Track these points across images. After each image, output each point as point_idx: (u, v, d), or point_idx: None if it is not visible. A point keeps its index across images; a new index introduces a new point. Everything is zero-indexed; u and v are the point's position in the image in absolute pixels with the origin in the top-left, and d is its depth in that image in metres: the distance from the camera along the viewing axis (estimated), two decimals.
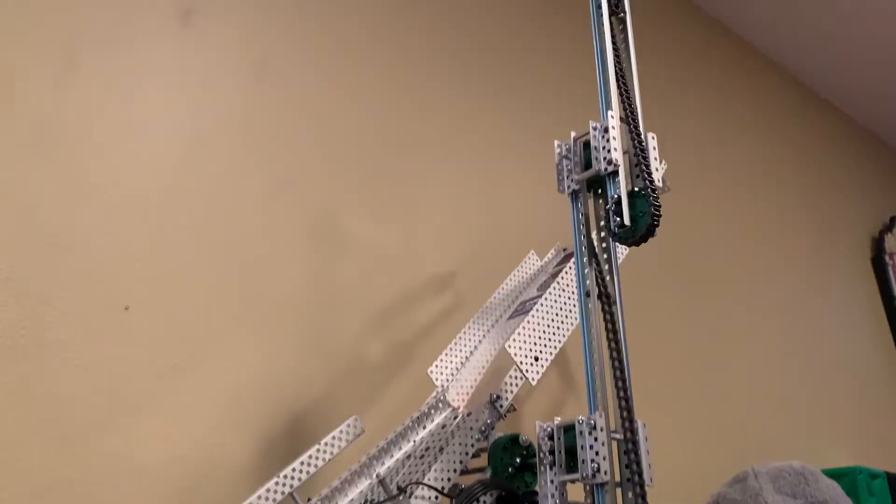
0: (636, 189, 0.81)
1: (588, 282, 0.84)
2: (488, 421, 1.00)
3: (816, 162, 2.71)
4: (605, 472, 0.72)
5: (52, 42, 1.07)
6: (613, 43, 0.89)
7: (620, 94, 0.86)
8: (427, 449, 0.98)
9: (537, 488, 0.79)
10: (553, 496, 0.77)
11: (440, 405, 0.97)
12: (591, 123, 0.84)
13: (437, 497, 0.91)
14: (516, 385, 1.04)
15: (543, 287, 1.11)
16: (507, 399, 1.02)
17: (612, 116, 0.84)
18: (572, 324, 1.00)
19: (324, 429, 0.97)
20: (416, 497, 0.89)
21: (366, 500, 0.89)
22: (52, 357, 0.94)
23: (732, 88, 2.44)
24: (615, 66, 0.87)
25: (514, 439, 0.95)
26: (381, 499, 0.89)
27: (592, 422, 0.74)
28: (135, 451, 0.96)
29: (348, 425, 0.92)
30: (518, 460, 0.94)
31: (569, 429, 0.77)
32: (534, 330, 0.96)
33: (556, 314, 1.00)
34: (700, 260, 1.99)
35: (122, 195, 1.07)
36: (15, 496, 0.87)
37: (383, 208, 1.36)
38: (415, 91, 1.51)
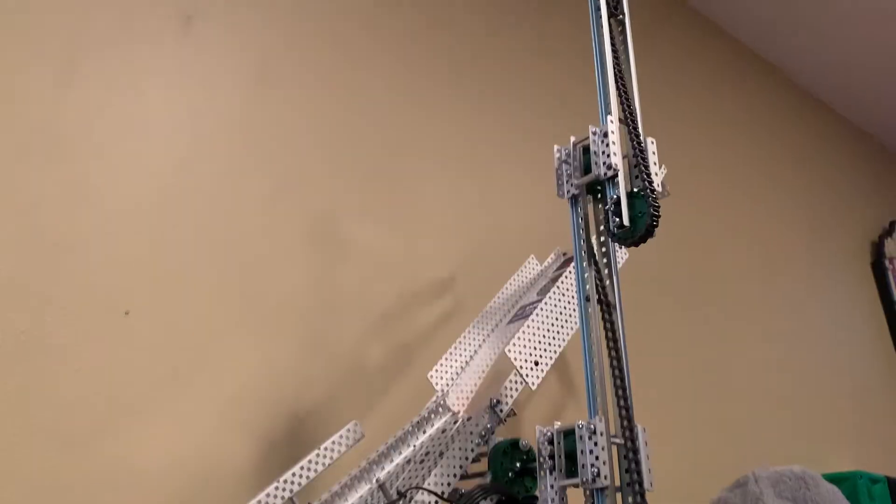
0: (635, 190, 0.81)
1: (588, 286, 0.84)
2: (488, 425, 1.00)
3: (816, 166, 2.71)
4: (605, 477, 0.72)
5: (53, 46, 1.07)
6: (612, 45, 0.89)
7: (619, 96, 0.87)
8: (427, 454, 0.97)
9: (537, 493, 0.79)
10: (553, 501, 0.77)
11: (440, 410, 0.97)
12: (591, 128, 0.85)
13: (437, 502, 0.91)
14: (516, 389, 1.04)
15: (543, 291, 1.11)
16: (507, 403, 1.02)
17: (612, 121, 0.84)
18: (572, 328, 1.00)
19: (324, 433, 0.97)
20: (416, 502, 0.89)
21: None
22: (52, 361, 0.94)
23: (730, 92, 2.44)
24: (614, 68, 0.88)
25: (514, 444, 0.95)
26: None
27: (592, 426, 0.74)
28: (135, 455, 0.96)
29: (348, 430, 0.92)
30: (518, 465, 0.94)
31: (569, 433, 0.77)
32: (534, 334, 0.96)
33: (556, 318, 1.00)
34: (700, 265, 1.99)
35: (122, 199, 1.07)
36: (15, 499, 0.87)
37: (383, 212, 1.36)
38: (415, 95, 1.51)
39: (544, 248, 1.33)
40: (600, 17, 0.91)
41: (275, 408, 1.10)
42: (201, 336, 1.07)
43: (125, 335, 1.01)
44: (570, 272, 1.03)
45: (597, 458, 0.73)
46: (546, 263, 1.31)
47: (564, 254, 1.33)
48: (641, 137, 0.84)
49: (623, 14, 0.93)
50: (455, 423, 0.99)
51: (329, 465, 0.89)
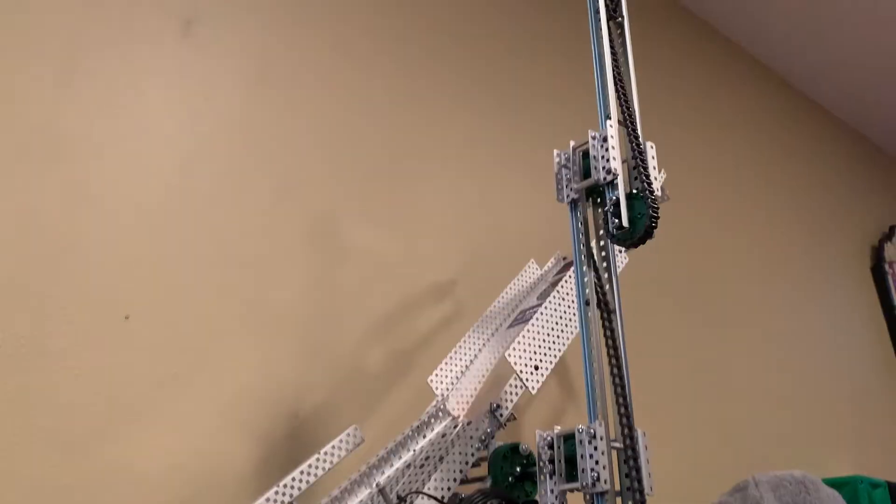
0: (634, 191, 0.82)
1: (588, 290, 0.84)
2: (488, 430, 1.00)
3: (816, 170, 2.72)
4: (605, 481, 0.72)
5: (54, 47, 1.07)
6: (611, 47, 0.90)
7: (619, 98, 0.87)
8: (427, 458, 0.97)
9: (537, 497, 0.79)
10: None
11: (440, 414, 0.97)
12: (591, 133, 0.85)
13: None
14: (516, 394, 1.04)
15: (543, 296, 1.11)
16: (507, 408, 1.02)
17: (611, 125, 0.84)
18: (572, 332, 1.00)
19: (323, 438, 0.97)
20: None
21: None
22: (52, 364, 0.94)
23: (728, 96, 2.44)
24: (613, 71, 0.88)
25: (514, 448, 0.95)
26: None
27: (592, 431, 0.74)
28: (135, 459, 0.96)
29: (348, 434, 0.92)
30: (518, 469, 0.94)
31: (569, 438, 0.77)
32: (534, 339, 0.96)
33: (556, 323, 1.00)
34: (700, 269, 1.99)
35: (121, 202, 1.07)
36: (15, 502, 0.87)
37: (383, 215, 1.36)
38: (415, 98, 1.52)
39: (544, 252, 1.33)
40: (599, 19, 0.91)
41: (274, 412, 1.10)
42: (201, 340, 1.07)
43: (125, 339, 1.01)
44: (569, 276, 1.03)
45: (597, 462, 0.73)
46: (546, 267, 1.31)
47: (564, 258, 1.33)
48: (641, 139, 0.84)
49: (622, 17, 0.93)
50: (455, 427, 0.99)
51: (329, 469, 0.89)
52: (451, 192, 1.49)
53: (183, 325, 1.06)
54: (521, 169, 1.62)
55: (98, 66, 1.11)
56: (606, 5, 0.92)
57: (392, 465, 0.91)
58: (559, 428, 0.79)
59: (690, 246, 1.98)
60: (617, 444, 0.75)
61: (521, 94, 1.73)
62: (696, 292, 1.94)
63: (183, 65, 1.21)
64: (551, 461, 0.79)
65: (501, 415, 1.01)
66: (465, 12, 1.71)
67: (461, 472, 0.96)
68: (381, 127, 1.43)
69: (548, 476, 0.78)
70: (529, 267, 1.30)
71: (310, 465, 0.88)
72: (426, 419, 0.96)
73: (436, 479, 0.93)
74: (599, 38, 0.90)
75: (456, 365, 1.11)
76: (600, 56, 0.90)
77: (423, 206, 1.44)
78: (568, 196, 0.88)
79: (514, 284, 1.27)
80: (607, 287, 0.84)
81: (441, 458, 0.96)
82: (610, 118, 0.85)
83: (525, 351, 0.94)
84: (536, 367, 0.94)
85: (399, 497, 0.90)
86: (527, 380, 0.92)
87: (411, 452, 0.93)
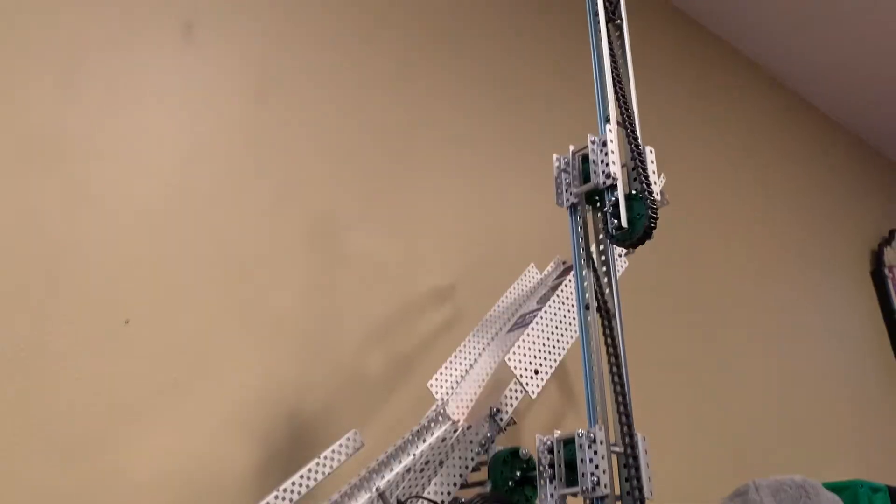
0: (633, 192, 0.82)
1: (587, 294, 0.84)
2: (488, 434, 1.00)
3: (816, 176, 2.72)
4: (605, 486, 0.72)
5: (55, 53, 1.08)
6: (610, 49, 0.90)
7: (618, 99, 0.87)
8: (427, 462, 0.97)
9: (537, 502, 0.79)
10: None
11: (440, 418, 0.97)
12: (590, 137, 0.85)
13: None
14: (516, 398, 1.04)
15: (543, 300, 1.11)
16: (506, 412, 1.02)
17: (610, 130, 0.84)
18: (572, 337, 1.00)
19: (323, 442, 0.96)
20: None
21: None
22: (52, 369, 0.94)
23: (727, 101, 2.45)
24: (612, 72, 0.88)
25: (514, 453, 0.95)
26: None
27: (592, 435, 0.74)
28: (135, 463, 0.96)
29: (348, 439, 0.92)
30: (518, 474, 0.94)
31: (569, 442, 0.77)
32: (533, 343, 0.96)
33: (556, 327, 1.00)
34: (700, 274, 1.99)
35: (122, 207, 1.07)
36: None
37: (383, 220, 1.36)
38: (416, 103, 1.52)
39: (544, 257, 1.33)
40: (598, 21, 0.91)
41: (274, 416, 1.10)
42: (201, 344, 1.07)
43: (125, 343, 1.01)
44: (569, 280, 1.04)
45: (597, 466, 0.73)
46: (546, 272, 1.31)
47: (564, 262, 1.33)
48: (640, 140, 0.85)
49: (621, 19, 0.93)
50: (455, 431, 0.99)
51: (329, 473, 0.89)
52: (451, 195, 1.50)
53: (183, 330, 1.06)
54: (522, 173, 1.62)
55: (99, 70, 1.11)
56: (605, 8, 0.92)
57: (392, 470, 0.91)
58: (559, 432, 0.79)
59: (690, 250, 1.98)
60: (617, 449, 0.75)
61: (521, 99, 1.73)
62: (696, 296, 1.94)
63: (183, 68, 1.21)
64: (551, 465, 0.79)
65: (501, 419, 1.01)
66: (465, 16, 1.71)
67: (461, 476, 0.96)
68: (381, 130, 1.43)
69: (548, 480, 0.78)
70: (529, 271, 1.30)
71: (310, 470, 0.88)
72: (426, 423, 0.95)
73: (436, 484, 0.93)
74: (598, 40, 0.91)
75: (456, 369, 1.11)
76: (599, 58, 0.90)
77: (423, 210, 1.44)
78: (568, 200, 0.89)
79: (514, 288, 1.27)
80: (607, 291, 0.84)
81: (441, 463, 0.96)
82: (609, 121, 0.85)
83: (525, 355, 0.94)
84: (536, 372, 0.94)
85: (399, 501, 0.90)
86: (527, 384, 0.92)
87: (411, 457, 0.93)
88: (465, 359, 1.13)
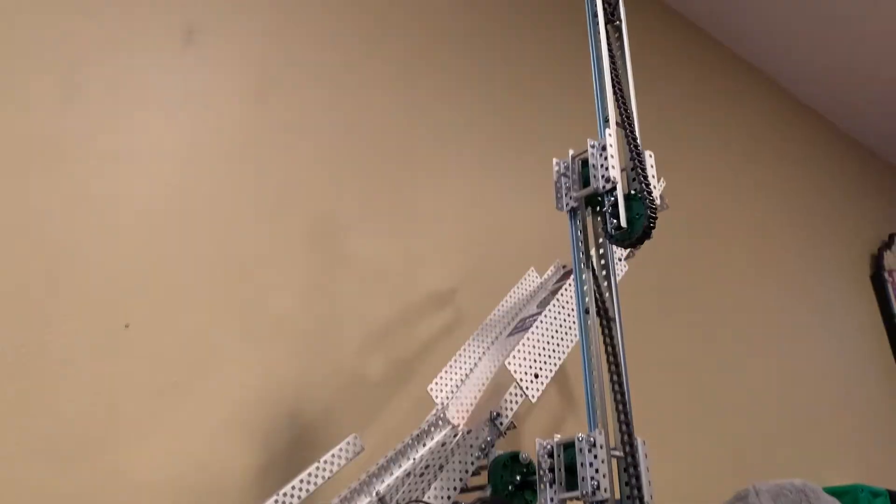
0: (633, 192, 0.82)
1: (587, 298, 0.84)
2: (488, 438, 0.99)
3: (816, 180, 2.72)
4: (605, 490, 0.72)
5: (56, 60, 1.08)
6: (609, 50, 0.90)
7: (617, 99, 0.87)
8: (427, 467, 0.97)
9: None
10: None
11: (440, 423, 0.97)
12: (590, 142, 0.85)
13: None
14: (516, 402, 1.04)
15: (543, 304, 1.11)
16: (507, 416, 1.02)
17: (610, 134, 0.84)
18: (572, 341, 1.00)
19: (323, 446, 0.96)
20: None
21: None
22: (52, 374, 0.94)
23: (727, 106, 2.45)
24: (611, 73, 0.89)
25: (514, 457, 0.95)
26: None
27: (592, 439, 0.74)
28: (135, 467, 0.96)
29: (348, 443, 0.92)
30: (518, 478, 0.94)
31: (568, 446, 0.77)
32: (533, 347, 0.96)
33: (556, 331, 1.00)
34: (700, 277, 1.99)
35: (122, 212, 1.07)
36: None
37: (383, 224, 1.37)
38: (416, 107, 1.52)
39: (544, 261, 1.33)
40: (597, 23, 0.91)
41: (274, 420, 1.10)
42: (201, 349, 1.07)
43: (125, 347, 1.01)
44: (569, 285, 1.04)
45: (597, 470, 0.73)
46: (546, 276, 1.31)
47: (564, 266, 1.33)
48: (639, 141, 0.85)
49: (620, 20, 0.94)
50: (455, 436, 0.99)
51: (329, 478, 0.89)
52: (452, 198, 1.50)
53: (183, 334, 1.06)
54: (522, 176, 1.62)
55: (99, 71, 1.12)
56: (605, 9, 0.92)
57: (392, 474, 0.91)
58: (559, 436, 0.79)
59: (689, 254, 1.98)
60: (617, 453, 0.75)
61: (521, 102, 1.74)
62: (696, 300, 1.94)
63: (184, 73, 1.21)
64: (551, 470, 0.78)
65: (501, 423, 1.01)
66: (466, 21, 1.72)
67: (461, 480, 0.96)
68: (381, 132, 1.43)
69: (548, 485, 0.78)
70: (529, 275, 1.30)
71: (309, 474, 0.88)
72: (426, 428, 0.95)
73: (436, 488, 0.93)
74: (597, 41, 0.91)
75: (456, 373, 1.11)
76: (598, 59, 0.90)
77: (423, 212, 1.44)
78: (567, 204, 0.89)
79: (514, 293, 1.27)
80: (607, 295, 0.85)
81: (441, 467, 0.96)
82: (608, 124, 0.85)
83: (525, 359, 0.94)
84: (536, 376, 0.94)
85: None
86: (527, 388, 0.92)
87: (411, 461, 0.93)
88: (465, 363, 1.13)
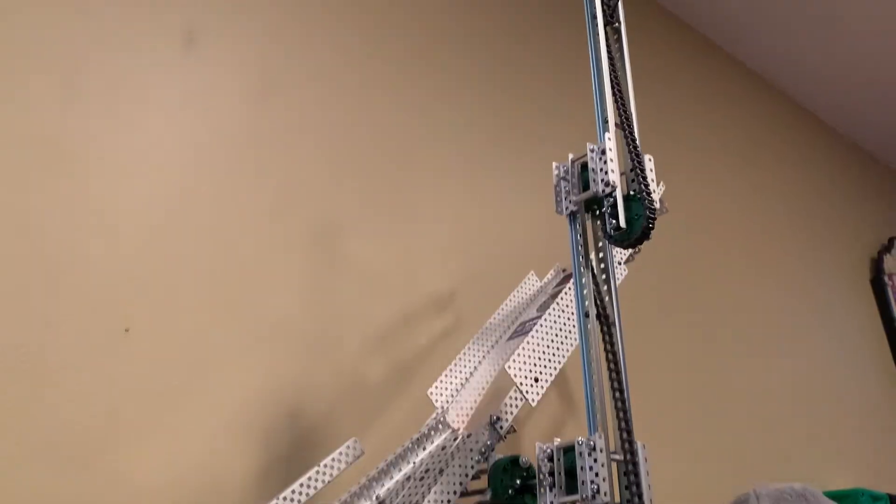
0: (632, 192, 0.82)
1: (587, 302, 0.84)
2: (488, 442, 0.99)
3: (815, 184, 2.72)
4: (605, 494, 0.72)
5: (57, 63, 1.08)
6: (608, 52, 0.91)
7: (616, 100, 0.88)
8: (427, 471, 0.97)
9: None
10: None
11: (440, 426, 0.96)
12: (589, 145, 0.85)
13: None
14: (516, 406, 1.03)
15: (543, 308, 1.11)
16: (506, 420, 1.02)
17: (609, 138, 0.85)
18: (572, 344, 1.00)
19: (323, 450, 0.96)
20: None
21: None
22: (52, 377, 0.94)
23: (726, 110, 2.45)
24: (610, 74, 0.89)
25: (514, 461, 0.95)
26: None
27: (592, 443, 0.74)
28: (135, 472, 0.96)
29: (348, 447, 0.91)
30: (518, 482, 0.94)
31: (568, 450, 0.77)
32: (533, 351, 0.96)
33: (556, 335, 1.00)
34: (699, 280, 1.99)
35: (122, 215, 1.07)
36: None
37: (384, 227, 1.37)
38: (417, 111, 1.52)
39: (544, 264, 1.33)
40: (596, 24, 0.92)
41: (274, 424, 1.10)
42: (201, 353, 1.07)
43: (125, 351, 1.01)
44: (569, 288, 1.03)
45: (596, 474, 0.73)
46: (546, 279, 1.31)
47: (564, 270, 1.33)
48: (638, 142, 0.85)
49: (619, 22, 0.94)
50: (455, 439, 0.99)
51: (329, 482, 0.89)
52: (452, 201, 1.50)
53: (183, 338, 1.06)
54: (521, 181, 1.62)
55: (100, 76, 1.12)
56: (603, 11, 0.93)
57: (392, 478, 0.91)
58: (559, 440, 0.79)
59: (689, 257, 1.98)
60: (617, 457, 0.75)
61: (521, 104, 1.74)
62: (696, 304, 1.94)
63: (184, 76, 1.22)
64: (551, 473, 0.78)
65: (501, 427, 1.01)
66: (468, 24, 1.72)
67: (461, 484, 0.95)
68: (381, 138, 1.44)
69: (548, 489, 0.78)
70: (529, 279, 1.30)
71: (309, 478, 0.88)
72: (426, 431, 0.95)
73: (436, 492, 0.93)
74: (596, 42, 0.91)
75: (456, 377, 1.11)
76: (597, 60, 0.90)
77: (423, 217, 1.44)
78: (567, 208, 0.89)
79: (514, 296, 1.27)
80: (607, 299, 0.85)
81: (441, 471, 0.96)
82: (608, 127, 0.86)
83: (525, 363, 0.94)
84: (536, 380, 0.94)
85: None
86: (527, 392, 0.92)
87: (411, 465, 0.93)
88: (465, 367, 1.12)
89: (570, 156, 0.90)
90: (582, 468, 0.74)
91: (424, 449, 0.94)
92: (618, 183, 0.82)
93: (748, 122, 2.52)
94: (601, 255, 0.87)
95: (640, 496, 0.72)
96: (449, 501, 0.93)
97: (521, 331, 1.11)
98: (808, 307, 2.35)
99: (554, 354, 0.98)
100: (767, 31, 2.47)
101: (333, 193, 1.32)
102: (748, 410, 1.89)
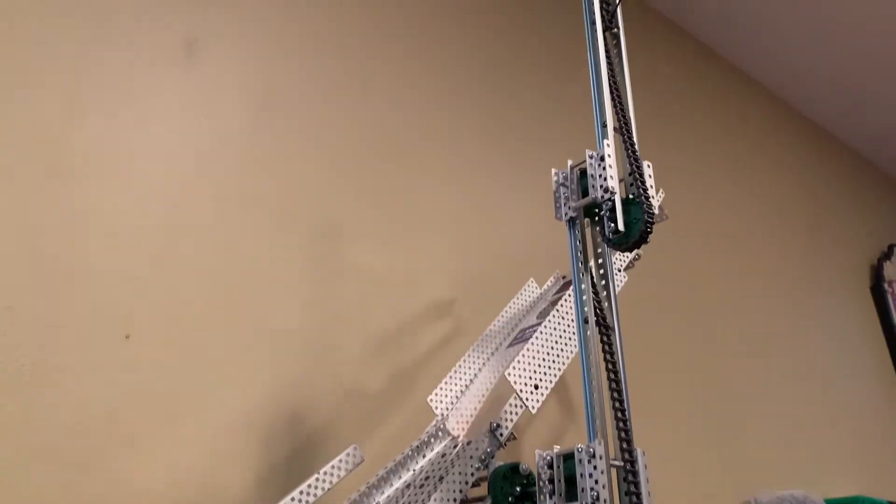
0: (630, 196, 0.82)
1: (586, 308, 0.85)
2: (488, 450, 0.99)
3: (815, 191, 2.73)
4: (605, 501, 0.72)
5: (60, 72, 1.09)
6: (607, 57, 0.91)
7: (615, 105, 0.88)
8: (427, 478, 0.97)
9: None
10: None
11: (440, 434, 0.96)
12: (588, 152, 0.86)
13: None
14: (516, 413, 1.03)
15: (543, 315, 1.12)
16: (507, 427, 1.02)
17: (608, 145, 0.85)
18: (572, 352, 1.00)
19: (323, 457, 0.96)
20: None
21: None
22: (53, 384, 0.94)
23: (725, 116, 2.46)
24: (609, 79, 0.89)
25: (514, 468, 0.95)
26: None
27: (592, 450, 0.74)
28: (135, 476, 0.96)
29: (348, 454, 0.91)
30: (518, 489, 0.93)
31: (568, 457, 0.77)
32: (533, 358, 0.96)
33: (556, 342, 1.00)
34: (699, 288, 1.99)
35: (123, 223, 1.07)
36: None
37: (384, 234, 1.37)
38: (417, 118, 1.53)
39: (544, 272, 1.33)
40: (595, 30, 0.92)
41: (274, 430, 1.09)
42: (201, 359, 1.07)
43: (126, 358, 1.01)
44: (569, 295, 1.04)
45: (596, 481, 0.73)
46: (545, 287, 1.31)
47: (564, 277, 1.33)
48: (637, 146, 0.85)
49: (618, 28, 0.95)
50: (455, 447, 0.99)
51: (329, 489, 0.88)
52: (452, 210, 1.50)
53: (183, 344, 1.06)
54: (522, 188, 1.63)
55: (102, 87, 1.12)
56: (602, 17, 0.93)
57: (392, 485, 0.91)
58: (559, 447, 0.79)
59: (688, 265, 1.99)
60: (617, 463, 0.75)
61: (522, 112, 1.74)
62: (695, 311, 1.94)
63: (185, 85, 1.22)
64: (551, 481, 0.78)
65: (501, 434, 1.01)
66: (469, 33, 1.72)
67: (461, 492, 0.95)
68: (382, 145, 1.44)
69: (548, 496, 0.78)
70: (529, 286, 1.30)
71: (309, 486, 0.88)
72: (426, 439, 0.95)
73: (436, 500, 0.93)
74: (596, 48, 0.92)
75: (456, 384, 1.11)
76: (596, 65, 0.91)
77: (423, 226, 1.44)
78: (566, 214, 0.89)
79: (514, 303, 1.27)
80: (606, 305, 0.85)
81: (441, 478, 0.96)
82: (607, 137, 0.86)
83: (525, 370, 0.94)
84: (536, 387, 0.94)
85: None
86: (527, 399, 0.92)
87: (411, 472, 0.92)
88: (465, 374, 1.12)
89: (570, 162, 0.90)
90: (582, 475, 0.74)
91: (424, 456, 0.94)
92: (616, 189, 0.83)
93: (748, 128, 2.53)
94: (601, 261, 0.87)
95: (640, 503, 0.72)
96: None
97: (521, 338, 1.11)
98: (808, 314, 2.35)
99: (554, 361, 0.98)
100: (767, 39, 2.48)
101: (334, 199, 1.32)
102: (748, 417, 1.89)
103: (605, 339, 0.83)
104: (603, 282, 0.86)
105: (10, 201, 0.99)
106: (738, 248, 2.21)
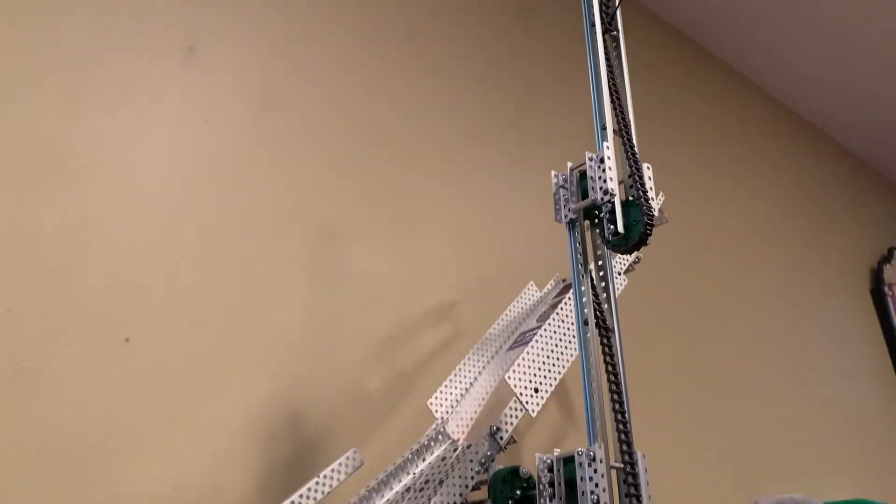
0: (630, 198, 0.82)
1: (586, 310, 0.84)
2: (488, 453, 0.99)
3: (815, 194, 2.73)
4: None
5: (59, 75, 1.08)
6: (607, 58, 0.91)
7: (614, 107, 0.88)
8: (427, 482, 0.97)
9: None
10: None
11: (440, 437, 0.96)
12: (588, 154, 0.86)
13: None
14: (516, 417, 1.03)
15: (543, 318, 1.11)
16: (507, 431, 1.02)
17: (608, 147, 0.85)
18: (572, 355, 1.00)
19: (323, 461, 0.96)
20: None
21: None
22: (53, 387, 0.94)
23: (727, 118, 2.46)
24: (609, 81, 0.89)
25: (514, 471, 0.95)
26: None
27: (592, 453, 0.74)
28: (135, 479, 0.95)
29: (347, 457, 0.91)
30: (518, 493, 0.93)
31: (568, 460, 0.77)
32: (533, 361, 0.96)
33: (556, 345, 1.00)
34: (698, 290, 1.99)
35: (123, 227, 1.07)
36: None
37: (384, 238, 1.37)
38: (417, 121, 1.53)
39: (544, 275, 1.33)
40: (595, 33, 0.92)
41: (274, 433, 1.09)
42: (201, 362, 1.07)
43: (125, 361, 1.00)
44: (569, 299, 1.03)
45: (596, 484, 0.73)
46: (545, 290, 1.31)
47: (564, 280, 1.33)
48: (636, 148, 0.85)
49: (617, 30, 0.95)
50: (455, 450, 0.98)
51: (328, 493, 0.88)
52: (452, 213, 1.50)
53: (183, 348, 1.06)
54: (522, 189, 1.63)
55: (102, 87, 1.12)
56: (602, 19, 0.93)
57: (392, 489, 0.91)
58: (559, 451, 0.79)
59: (688, 267, 1.98)
60: (617, 466, 0.74)
61: (522, 114, 1.74)
62: (695, 313, 1.94)
63: (185, 85, 1.22)
64: (551, 484, 0.78)
65: (501, 438, 1.01)
66: (469, 33, 1.72)
67: (461, 495, 0.95)
68: (382, 149, 1.44)
69: (548, 499, 0.78)
70: (529, 289, 1.30)
71: (309, 489, 0.87)
72: (426, 442, 0.95)
73: (435, 503, 0.92)
74: (595, 50, 0.92)
75: (456, 387, 1.11)
76: (596, 67, 0.91)
77: (423, 228, 1.44)
78: (566, 216, 0.89)
79: (514, 307, 1.27)
80: (606, 307, 0.85)
81: (441, 482, 0.95)
82: (606, 134, 0.86)
83: (525, 373, 0.94)
84: (536, 390, 0.94)
85: None
86: (527, 402, 0.92)
87: (411, 476, 0.92)
88: (465, 377, 1.12)
89: (569, 164, 0.90)
90: (582, 479, 0.74)
91: (424, 460, 0.94)
92: (616, 191, 0.83)
93: (747, 131, 2.53)
94: (600, 263, 0.87)
95: None
96: None
97: (521, 341, 1.11)
98: (807, 317, 2.35)
99: (554, 365, 0.98)
100: (767, 42, 2.48)
101: (334, 199, 1.32)
102: (749, 421, 1.89)
103: (604, 341, 0.82)
104: (603, 284, 0.86)
105: (10, 201, 0.99)
106: (738, 251, 2.20)
